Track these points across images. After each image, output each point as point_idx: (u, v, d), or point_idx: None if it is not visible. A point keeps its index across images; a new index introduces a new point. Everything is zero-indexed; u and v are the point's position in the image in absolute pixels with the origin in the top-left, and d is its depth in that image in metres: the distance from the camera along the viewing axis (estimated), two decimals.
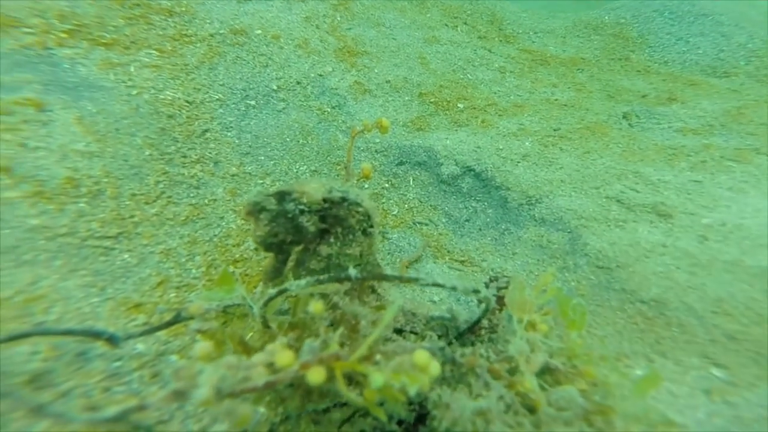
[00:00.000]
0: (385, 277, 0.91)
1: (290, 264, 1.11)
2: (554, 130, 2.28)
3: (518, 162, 2.04)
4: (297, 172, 1.98)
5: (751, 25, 3.30)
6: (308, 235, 1.01)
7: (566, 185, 1.92)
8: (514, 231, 1.86)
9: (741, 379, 1.32)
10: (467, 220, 1.95)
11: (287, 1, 2.73)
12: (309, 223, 0.98)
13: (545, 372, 0.98)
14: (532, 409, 0.85)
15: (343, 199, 1.00)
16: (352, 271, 0.84)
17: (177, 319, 1.15)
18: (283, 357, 0.76)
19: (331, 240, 1.05)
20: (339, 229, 1.05)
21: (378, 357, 0.87)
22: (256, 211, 0.95)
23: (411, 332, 1.26)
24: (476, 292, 0.85)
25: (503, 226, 1.90)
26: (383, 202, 1.98)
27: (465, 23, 3.21)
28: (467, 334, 1.11)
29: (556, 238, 1.77)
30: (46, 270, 1.22)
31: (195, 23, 2.33)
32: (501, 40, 3.20)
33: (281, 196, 0.97)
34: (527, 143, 2.15)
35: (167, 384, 1.11)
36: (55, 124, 1.51)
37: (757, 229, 1.60)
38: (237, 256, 1.58)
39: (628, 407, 0.92)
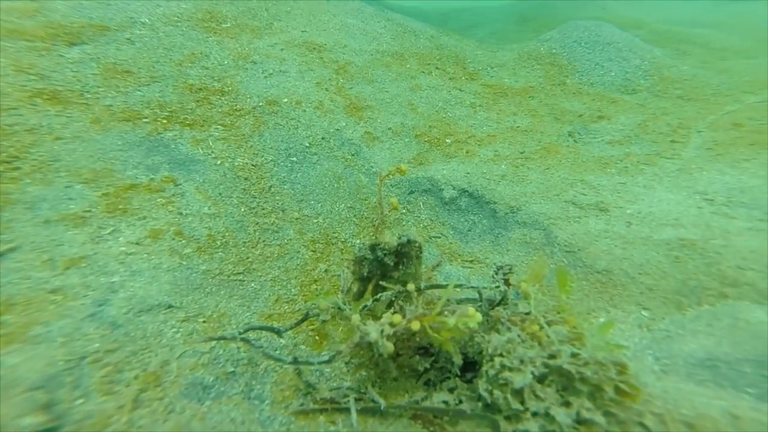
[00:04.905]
0: (437, 286, 1.38)
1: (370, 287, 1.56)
2: (520, 153, 2.79)
3: (499, 181, 2.53)
4: (338, 209, 2.42)
5: (639, 50, 3.89)
6: (388, 269, 1.48)
7: (536, 195, 2.43)
8: (505, 234, 2.33)
9: (658, 316, 1.86)
10: (469, 230, 2.42)
11: (299, 72, 3.12)
12: (390, 261, 1.45)
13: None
14: (539, 341, 1.34)
15: (409, 241, 1.46)
16: (411, 287, 1.33)
17: (306, 317, 1.60)
18: (397, 318, 1.24)
19: (400, 267, 1.52)
20: (405, 259, 1.51)
21: (446, 313, 1.35)
22: (360, 261, 1.41)
23: None
24: (498, 288, 1.34)
25: (496, 231, 2.37)
26: (404, 225, 2.45)
27: (437, 68, 3.68)
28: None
29: (535, 235, 2.25)
30: (218, 297, 1.68)
31: (240, 99, 2.72)
32: (467, 78, 3.68)
33: (373, 248, 1.42)
34: (503, 166, 2.65)
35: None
36: (186, 195, 1.92)
37: (660, 214, 2.16)
38: (315, 276, 2.02)
39: (595, 341, 1.34)
